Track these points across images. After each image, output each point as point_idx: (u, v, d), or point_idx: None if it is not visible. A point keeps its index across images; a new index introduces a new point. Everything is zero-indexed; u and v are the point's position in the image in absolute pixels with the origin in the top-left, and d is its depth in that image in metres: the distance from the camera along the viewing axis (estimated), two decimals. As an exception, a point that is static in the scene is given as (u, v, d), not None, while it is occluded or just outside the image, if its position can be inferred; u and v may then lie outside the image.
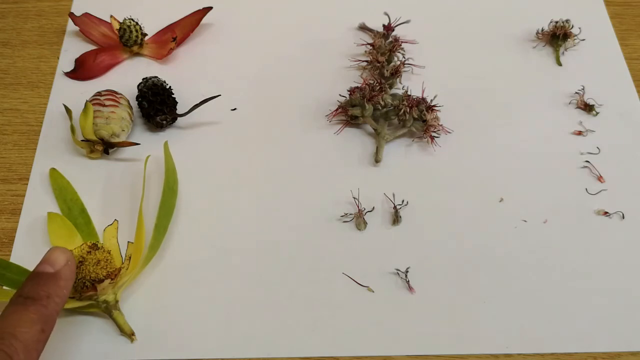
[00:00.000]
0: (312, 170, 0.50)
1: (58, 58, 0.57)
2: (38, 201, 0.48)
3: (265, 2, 0.61)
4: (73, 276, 0.39)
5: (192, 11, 0.58)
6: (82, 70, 0.55)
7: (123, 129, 0.49)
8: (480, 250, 0.46)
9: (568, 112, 0.53)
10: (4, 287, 0.43)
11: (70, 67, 0.56)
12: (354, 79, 0.55)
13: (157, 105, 0.51)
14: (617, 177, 0.49)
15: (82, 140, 0.49)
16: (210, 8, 0.57)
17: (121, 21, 0.55)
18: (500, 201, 0.48)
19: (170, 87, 0.52)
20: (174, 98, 0.52)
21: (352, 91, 0.52)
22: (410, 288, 0.44)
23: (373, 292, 0.44)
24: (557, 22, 0.57)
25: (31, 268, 0.43)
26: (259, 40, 0.58)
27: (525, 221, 0.47)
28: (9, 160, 0.51)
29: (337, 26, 0.59)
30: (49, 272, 0.37)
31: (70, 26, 0.59)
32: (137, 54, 0.57)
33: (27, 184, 0.49)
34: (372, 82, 0.52)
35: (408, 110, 0.50)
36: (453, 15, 0.60)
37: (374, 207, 0.48)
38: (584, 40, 0.58)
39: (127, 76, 0.55)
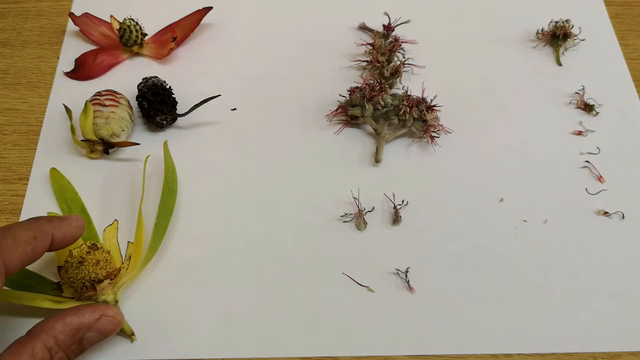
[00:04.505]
0: (312, 170, 0.50)
1: (58, 58, 0.57)
2: (38, 201, 0.48)
3: (265, 2, 0.61)
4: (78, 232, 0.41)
5: (192, 11, 0.58)
6: (82, 70, 0.55)
7: (123, 129, 0.49)
8: (480, 250, 0.46)
9: (568, 112, 0.53)
10: (4, 287, 0.43)
11: (70, 67, 0.56)
12: (354, 79, 0.55)
13: (157, 105, 0.51)
14: (617, 177, 0.49)
15: (82, 140, 0.49)
16: (210, 8, 0.57)
17: (121, 21, 0.55)
18: (500, 201, 0.48)
19: (170, 87, 0.52)
20: (174, 98, 0.52)
21: (352, 91, 0.52)
22: (410, 288, 0.44)
23: (373, 292, 0.44)
24: (557, 22, 0.57)
25: (31, 268, 0.43)
26: (259, 40, 0.58)
27: (525, 221, 0.47)
28: (9, 160, 0.51)
29: (337, 26, 0.59)
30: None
31: (70, 26, 0.59)
32: (137, 54, 0.57)
33: (27, 184, 0.49)
34: (372, 82, 0.52)
35: (408, 110, 0.50)
36: (453, 15, 0.60)
37: (374, 207, 0.48)
38: (584, 40, 0.58)
39: (127, 76, 0.55)
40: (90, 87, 0.54)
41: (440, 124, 0.51)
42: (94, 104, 0.49)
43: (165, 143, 0.49)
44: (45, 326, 0.37)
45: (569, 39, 0.57)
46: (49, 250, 0.39)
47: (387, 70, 0.53)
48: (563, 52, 0.57)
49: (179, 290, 0.44)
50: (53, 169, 0.49)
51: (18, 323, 0.42)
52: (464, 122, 0.52)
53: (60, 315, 0.38)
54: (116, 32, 0.56)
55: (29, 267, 0.43)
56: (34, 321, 0.41)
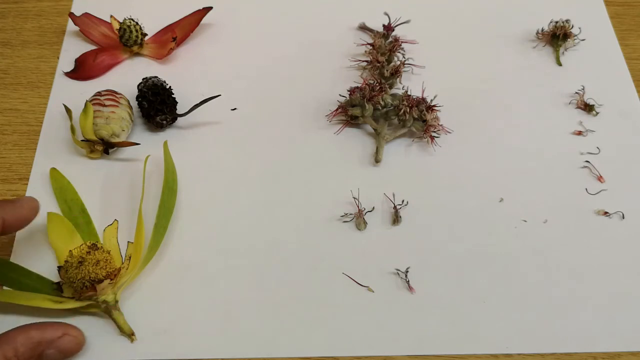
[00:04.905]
0: (312, 170, 0.50)
1: (58, 58, 0.57)
2: (38, 201, 0.48)
3: (265, 2, 0.61)
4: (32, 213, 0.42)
5: (192, 11, 0.58)
6: (82, 70, 0.55)
7: (123, 129, 0.49)
8: (480, 250, 0.46)
9: (568, 112, 0.53)
10: (4, 287, 0.43)
11: (70, 67, 0.56)
12: (354, 79, 0.55)
13: (157, 105, 0.51)
14: (617, 177, 0.49)
15: (82, 140, 0.49)
16: (210, 8, 0.57)
17: (121, 21, 0.55)
18: (500, 201, 0.48)
19: (170, 87, 0.52)
20: (174, 98, 0.52)
21: (352, 91, 0.52)
22: (410, 288, 0.44)
23: (373, 292, 0.44)
24: (557, 22, 0.57)
25: (31, 268, 0.43)
26: (259, 40, 0.58)
27: (525, 221, 0.47)
28: (9, 160, 0.51)
29: (337, 26, 0.59)
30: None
31: (70, 26, 0.59)
32: (137, 54, 0.57)
33: (27, 184, 0.49)
34: (372, 82, 0.52)
35: (408, 110, 0.50)
36: (453, 15, 0.60)
37: (374, 207, 0.48)
38: (584, 40, 0.58)
39: (127, 76, 0.55)
40: (90, 87, 0.54)
41: (440, 124, 0.51)
42: (94, 104, 0.49)
43: (165, 143, 0.49)
44: (7, 336, 0.38)
45: (569, 39, 0.57)
46: (2, 234, 0.39)
47: (387, 70, 0.53)
48: (563, 52, 0.57)
49: (179, 290, 0.44)
50: (53, 169, 0.49)
51: (18, 323, 0.42)
52: (464, 122, 0.52)
53: (24, 328, 0.38)
54: (116, 32, 0.56)
55: (29, 267, 0.43)
56: (33, 321, 0.41)
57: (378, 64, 0.54)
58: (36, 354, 0.38)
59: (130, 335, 0.42)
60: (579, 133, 0.52)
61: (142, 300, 0.43)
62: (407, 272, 0.45)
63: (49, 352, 0.39)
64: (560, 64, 0.56)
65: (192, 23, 0.57)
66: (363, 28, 0.59)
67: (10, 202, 0.40)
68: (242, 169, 0.50)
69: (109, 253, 0.42)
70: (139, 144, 0.50)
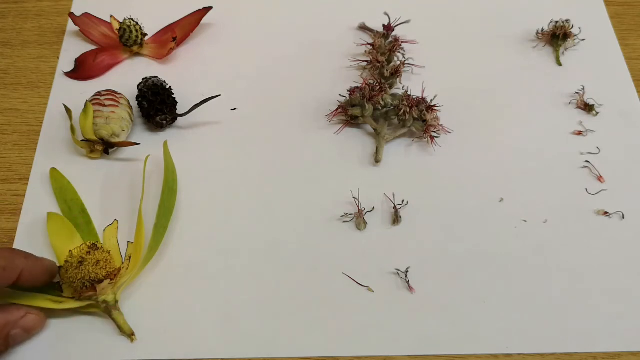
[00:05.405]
0: (312, 171, 0.50)
1: (58, 58, 0.57)
2: (38, 201, 0.48)
3: (265, 2, 0.61)
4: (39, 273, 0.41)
5: (192, 11, 0.58)
6: (82, 70, 0.55)
7: (123, 129, 0.49)
8: (480, 250, 0.46)
9: (568, 112, 0.53)
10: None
11: (70, 67, 0.56)
12: (354, 79, 0.55)
13: (157, 105, 0.51)
14: (617, 177, 0.49)
15: (82, 140, 0.49)
16: (210, 8, 0.57)
17: (121, 21, 0.55)
18: (500, 201, 0.48)
19: (170, 87, 0.52)
20: (174, 98, 0.52)
21: (352, 91, 0.52)
22: (410, 288, 0.44)
23: (373, 292, 0.44)
24: (557, 22, 0.57)
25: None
26: (259, 40, 0.58)
27: (525, 221, 0.47)
28: (9, 160, 0.51)
29: (337, 26, 0.59)
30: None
31: (70, 26, 0.59)
32: (137, 54, 0.57)
33: (27, 184, 0.49)
34: (372, 82, 0.52)
35: (408, 110, 0.50)
36: (453, 15, 0.60)
37: (374, 207, 0.48)
38: (584, 40, 0.58)
39: (127, 76, 0.55)
40: (90, 87, 0.54)
41: (440, 124, 0.51)
42: (94, 104, 0.49)
43: (165, 143, 0.49)
44: None
45: (569, 39, 0.57)
46: (14, 284, 0.40)
47: (387, 70, 0.53)
48: (563, 52, 0.57)
49: (179, 290, 0.44)
50: (53, 169, 0.49)
51: (18, 323, 0.42)
52: (464, 122, 0.52)
53: None
54: (116, 32, 0.56)
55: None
56: (34, 321, 0.41)
57: (378, 64, 0.54)
58: (3, 336, 0.39)
59: (130, 335, 0.42)
60: (579, 133, 0.52)
61: (142, 300, 0.43)
62: (407, 272, 0.45)
63: (15, 332, 0.39)
64: (560, 64, 0.56)
65: (192, 23, 0.57)
66: (363, 28, 0.59)
67: (35, 259, 0.41)
68: (242, 168, 0.50)
69: (109, 253, 0.42)
70: (139, 144, 0.50)
